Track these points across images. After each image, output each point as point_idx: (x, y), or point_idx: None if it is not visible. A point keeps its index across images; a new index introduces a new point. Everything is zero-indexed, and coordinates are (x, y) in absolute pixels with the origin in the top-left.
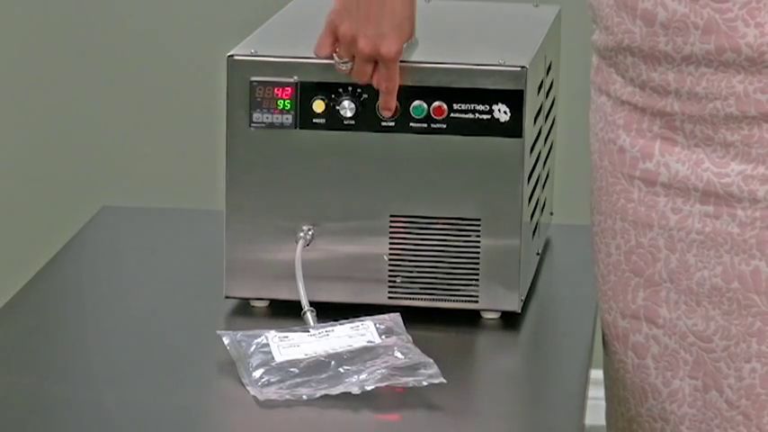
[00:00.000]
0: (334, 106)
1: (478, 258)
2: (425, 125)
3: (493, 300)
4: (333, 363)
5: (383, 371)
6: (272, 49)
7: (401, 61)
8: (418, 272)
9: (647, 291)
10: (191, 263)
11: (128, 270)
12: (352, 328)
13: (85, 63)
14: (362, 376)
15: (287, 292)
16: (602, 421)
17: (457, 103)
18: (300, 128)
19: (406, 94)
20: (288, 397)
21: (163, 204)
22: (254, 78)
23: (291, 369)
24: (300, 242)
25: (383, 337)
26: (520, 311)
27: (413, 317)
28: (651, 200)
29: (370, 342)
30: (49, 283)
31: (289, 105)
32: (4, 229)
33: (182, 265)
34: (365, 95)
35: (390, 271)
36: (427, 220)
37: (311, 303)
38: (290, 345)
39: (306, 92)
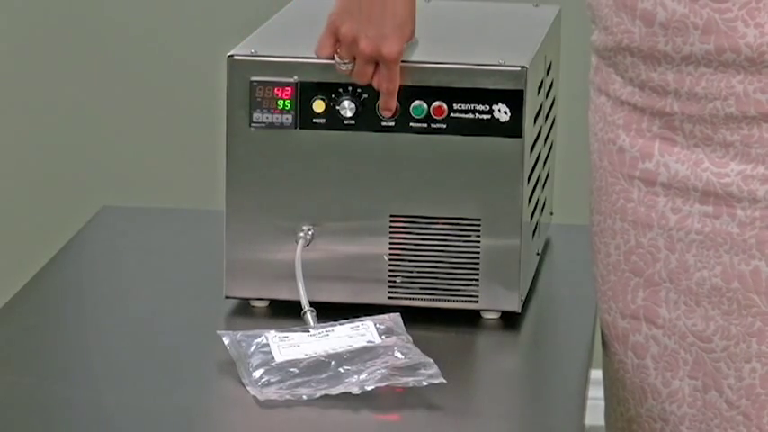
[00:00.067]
0: (334, 106)
1: (478, 258)
2: (425, 125)
3: (493, 300)
4: (333, 363)
5: (383, 371)
6: (272, 49)
7: (401, 61)
8: (418, 272)
9: (646, 291)
10: (191, 263)
11: (128, 270)
12: (352, 328)
13: (85, 63)
14: (362, 376)
15: (287, 292)
16: (601, 421)
17: (457, 103)
18: (300, 128)
19: (406, 94)
20: (288, 397)
21: (163, 204)
22: (254, 78)
23: (291, 369)
24: (300, 242)
25: (383, 337)
26: (520, 311)
27: (413, 317)
28: (651, 200)
29: (370, 342)
30: (49, 283)
31: (289, 105)
32: (5, 229)
33: (182, 265)
34: (365, 95)
35: (390, 271)
36: (427, 220)
37: (311, 303)
38: (290, 345)
39: (306, 92)
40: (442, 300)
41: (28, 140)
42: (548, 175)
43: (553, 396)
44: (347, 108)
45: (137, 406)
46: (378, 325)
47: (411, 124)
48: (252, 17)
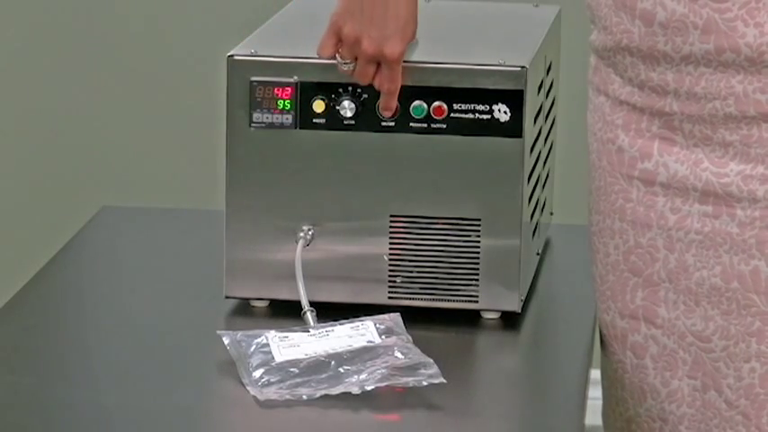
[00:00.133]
0: (334, 106)
1: (478, 258)
2: (425, 125)
3: (493, 300)
4: (333, 363)
5: (383, 371)
6: (272, 49)
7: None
8: (418, 272)
9: (645, 291)
10: (191, 263)
11: (128, 270)
12: (352, 328)
13: (85, 63)
14: (362, 376)
15: (287, 292)
16: (601, 421)
17: (457, 103)
18: (300, 128)
19: (406, 94)
20: (288, 397)
21: (163, 204)
22: (254, 78)
23: (291, 369)
24: (300, 242)
25: (383, 337)
26: (520, 311)
27: (413, 317)
28: (650, 200)
29: (370, 342)
30: (49, 283)
31: (289, 105)
32: (5, 229)
33: (182, 265)
34: (365, 95)
35: (390, 271)
36: (427, 220)
37: (311, 303)
38: (290, 345)
39: (306, 92)
40: (442, 300)
41: (28, 140)
42: (548, 175)
43: (553, 396)
44: (347, 108)
45: (137, 406)
46: (378, 325)
47: (411, 124)
48: (252, 17)
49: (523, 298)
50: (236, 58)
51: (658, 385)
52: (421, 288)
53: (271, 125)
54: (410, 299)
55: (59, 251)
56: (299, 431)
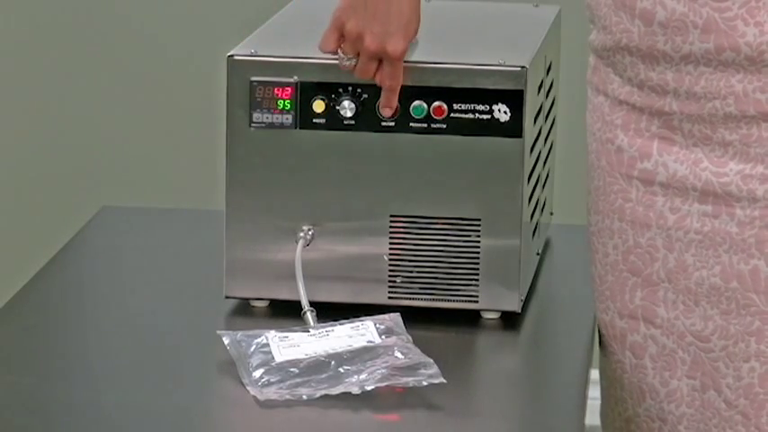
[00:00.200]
0: (334, 106)
1: (478, 258)
2: (425, 125)
3: (493, 300)
4: (333, 363)
5: (383, 371)
6: (272, 49)
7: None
8: (418, 272)
9: (644, 290)
10: (191, 263)
11: (128, 270)
12: (352, 328)
13: (85, 63)
14: (362, 376)
15: (287, 292)
16: (599, 421)
17: (457, 103)
18: (300, 128)
19: (407, 94)
20: (288, 397)
21: (163, 204)
22: (254, 78)
23: (291, 369)
24: (300, 242)
25: (383, 337)
26: (520, 311)
27: (413, 317)
28: (649, 199)
29: (370, 342)
30: (49, 283)
31: (289, 105)
32: (5, 229)
33: (182, 265)
34: (365, 95)
35: (390, 271)
36: (427, 220)
37: (311, 303)
38: (290, 345)
39: (306, 92)
40: (442, 300)
41: (28, 140)
42: (548, 175)
43: (553, 396)
44: (347, 108)
45: (137, 406)
46: (378, 325)
47: (411, 124)
48: (252, 17)
49: (523, 298)
50: (236, 58)
51: (657, 385)
52: (421, 288)
53: (271, 125)
54: (410, 299)
55: (59, 251)
56: (299, 431)
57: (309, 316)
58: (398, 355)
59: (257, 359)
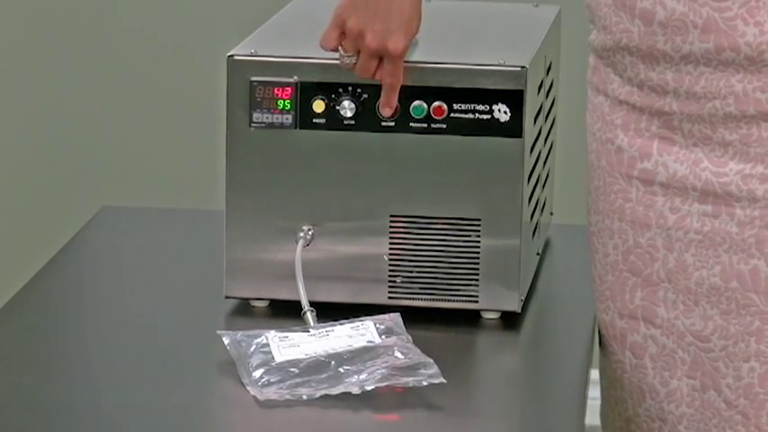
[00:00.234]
0: (334, 106)
1: (478, 258)
2: (425, 125)
3: (493, 300)
4: (333, 363)
5: (383, 371)
6: (272, 49)
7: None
8: (418, 272)
9: (644, 290)
10: (191, 263)
11: (128, 270)
12: (352, 328)
13: (85, 63)
14: (362, 376)
15: (287, 292)
16: (599, 421)
17: (457, 103)
18: (300, 128)
19: (406, 94)
20: (288, 397)
21: (163, 204)
22: (254, 78)
23: (291, 369)
24: (300, 242)
25: (383, 337)
26: (520, 311)
27: (413, 317)
28: (649, 199)
29: (370, 342)
30: (49, 283)
31: (289, 105)
32: (5, 229)
33: (182, 265)
34: (365, 95)
35: (390, 271)
36: (427, 220)
37: (311, 303)
38: (290, 345)
39: (306, 92)
40: (442, 300)
41: (28, 140)
42: (548, 174)
43: (553, 396)
44: (347, 108)
45: (137, 406)
46: (378, 325)
47: (411, 124)
48: (252, 17)
49: (523, 298)
50: (236, 58)
51: (657, 385)
52: (421, 288)
53: (271, 125)
54: (410, 299)
55: (59, 251)
56: (299, 431)
57: (309, 316)
58: (398, 355)
59: (257, 359)
